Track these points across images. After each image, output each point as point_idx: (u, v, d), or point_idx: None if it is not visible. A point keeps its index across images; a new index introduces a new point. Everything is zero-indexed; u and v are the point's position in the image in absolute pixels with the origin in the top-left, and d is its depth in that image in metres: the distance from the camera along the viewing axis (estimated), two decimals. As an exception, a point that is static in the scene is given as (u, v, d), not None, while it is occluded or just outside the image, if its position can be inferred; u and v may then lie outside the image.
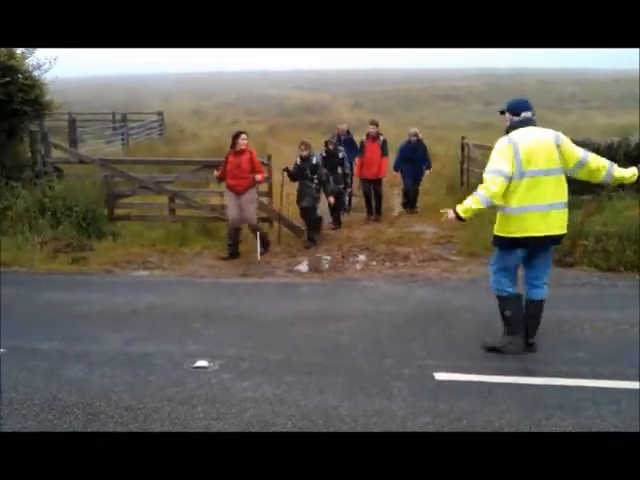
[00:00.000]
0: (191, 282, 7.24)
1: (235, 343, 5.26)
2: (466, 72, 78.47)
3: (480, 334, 5.25)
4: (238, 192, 8.30)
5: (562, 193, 4.57)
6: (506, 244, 4.70)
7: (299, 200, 9.20)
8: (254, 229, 8.44)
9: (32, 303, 6.33)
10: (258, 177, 8.28)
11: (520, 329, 4.85)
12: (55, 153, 10.64)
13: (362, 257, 8.29)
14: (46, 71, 10.44)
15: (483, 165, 11.50)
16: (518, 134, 4.59)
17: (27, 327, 5.64)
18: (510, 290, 4.82)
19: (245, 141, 8.32)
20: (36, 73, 10.26)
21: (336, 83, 62.32)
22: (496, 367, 4.61)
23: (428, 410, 4.01)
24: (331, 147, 10.15)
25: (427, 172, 11.43)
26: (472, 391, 4.26)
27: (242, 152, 8.27)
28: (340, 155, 10.11)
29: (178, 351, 5.09)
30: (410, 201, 11.43)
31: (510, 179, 4.47)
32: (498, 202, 4.54)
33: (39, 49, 10.28)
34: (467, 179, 12.28)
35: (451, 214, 4.74)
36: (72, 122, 18.14)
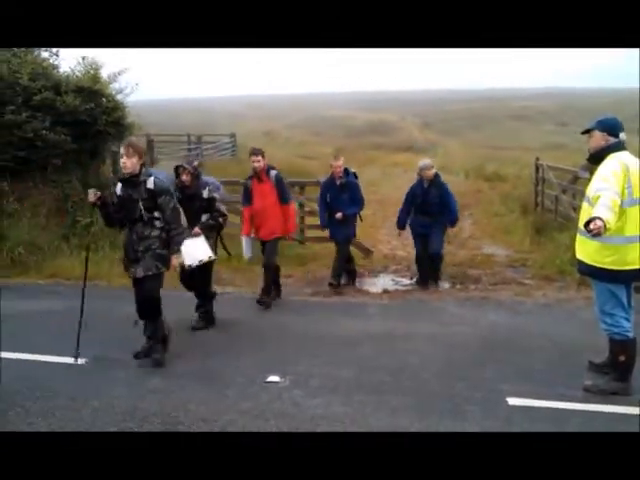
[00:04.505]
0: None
1: (304, 360, 5.34)
2: (533, 91, 76.64)
3: (555, 360, 5.14)
4: None
5: None
6: (622, 278, 4.28)
7: (131, 261, 5.30)
8: None
9: (112, 316, 6.58)
10: None
11: (630, 375, 4.48)
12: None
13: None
14: (128, 95, 11.05)
15: (557, 187, 11.15)
16: (625, 157, 4.25)
17: (108, 339, 5.88)
18: (630, 334, 4.38)
19: None
20: (119, 97, 10.87)
21: (402, 103, 62.22)
22: (572, 394, 4.48)
23: (502, 435, 3.94)
24: (186, 179, 5.92)
25: (450, 229, 8.04)
26: (546, 417, 4.16)
27: None
28: (205, 194, 5.99)
29: (251, 366, 5.21)
30: (423, 274, 7.81)
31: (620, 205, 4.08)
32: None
33: (122, 75, 10.90)
34: (542, 201, 12.06)
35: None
36: (150, 143, 18.87)
